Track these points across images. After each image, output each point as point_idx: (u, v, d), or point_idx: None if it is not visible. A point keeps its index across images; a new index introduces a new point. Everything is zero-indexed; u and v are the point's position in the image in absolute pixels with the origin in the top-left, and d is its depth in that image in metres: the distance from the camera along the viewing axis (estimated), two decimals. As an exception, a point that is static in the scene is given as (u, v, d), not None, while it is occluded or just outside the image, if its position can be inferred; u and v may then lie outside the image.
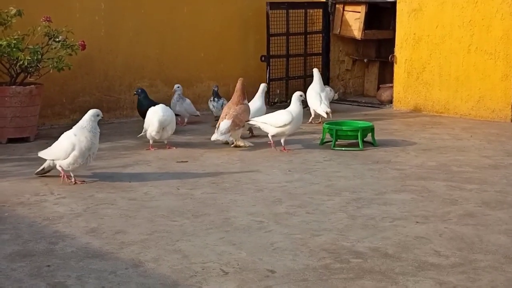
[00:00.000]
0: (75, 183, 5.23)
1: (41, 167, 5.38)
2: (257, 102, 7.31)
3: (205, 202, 4.87)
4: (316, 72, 8.14)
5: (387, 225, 4.37)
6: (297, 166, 5.98)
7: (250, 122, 6.71)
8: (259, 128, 6.70)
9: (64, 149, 5.20)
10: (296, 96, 6.65)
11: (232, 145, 6.64)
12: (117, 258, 3.76)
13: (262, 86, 7.49)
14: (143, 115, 6.83)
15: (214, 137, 6.57)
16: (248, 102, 6.92)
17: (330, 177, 5.60)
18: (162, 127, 6.43)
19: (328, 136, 6.81)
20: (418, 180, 5.48)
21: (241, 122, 6.60)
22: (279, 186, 5.33)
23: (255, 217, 4.52)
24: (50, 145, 6.48)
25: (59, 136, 6.29)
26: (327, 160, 6.24)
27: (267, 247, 3.97)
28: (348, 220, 4.46)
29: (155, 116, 6.42)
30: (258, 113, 7.03)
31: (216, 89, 7.87)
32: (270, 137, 6.51)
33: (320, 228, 4.32)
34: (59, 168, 5.25)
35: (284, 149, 6.49)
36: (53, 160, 5.30)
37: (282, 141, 6.49)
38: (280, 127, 6.44)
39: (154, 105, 6.69)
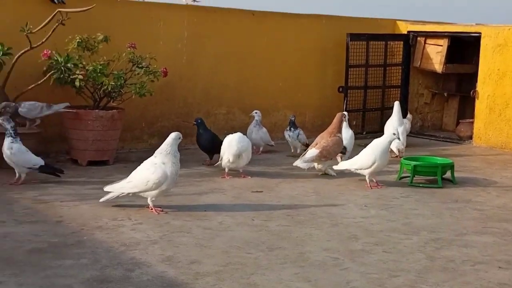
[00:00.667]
0: (158, 213, 5.20)
1: (109, 196, 5.28)
2: (348, 131, 7.47)
3: (280, 234, 4.83)
4: (396, 105, 8.03)
5: (468, 269, 4.21)
6: (373, 202, 5.87)
7: (341, 168, 6.55)
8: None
9: (156, 179, 5.13)
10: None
11: (321, 173, 6.78)
12: (192, 289, 3.76)
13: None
14: (202, 146, 7.05)
15: (296, 163, 6.68)
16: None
17: (407, 215, 5.47)
18: (238, 155, 6.45)
19: (405, 172, 6.67)
20: (500, 222, 5.29)
21: (329, 154, 6.71)
22: (354, 221, 5.24)
23: (331, 253, 4.44)
24: (128, 169, 6.62)
25: (137, 160, 6.48)
26: (404, 196, 6.11)
27: (343, 285, 3.89)
28: (427, 262, 4.33)
29: (231, 144, 6.45)
30: (351, 140, 7.42)
31: (293, 119, 7.86)
32: (367, 180, 6.36)
33: (397, 268, 4.20)
34: (150, 201, 5.22)
35: (377, 185, 6.39)
36: (135, 192, 5.25)
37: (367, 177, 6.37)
38: (369, 168, 6.31)
39: (212, 136, 6.82)
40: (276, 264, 4.21)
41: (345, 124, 7.39)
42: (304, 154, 6.73)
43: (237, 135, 6.55)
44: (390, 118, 7.99)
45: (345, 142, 7.14)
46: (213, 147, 7.02)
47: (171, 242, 4.54)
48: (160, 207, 5.29)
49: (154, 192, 5.20)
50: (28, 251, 4.22)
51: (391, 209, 5.64)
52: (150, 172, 5.18)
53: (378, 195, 6.11)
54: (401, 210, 5.62)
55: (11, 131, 5.92)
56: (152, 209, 5.23)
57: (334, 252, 4.48)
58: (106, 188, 5.29)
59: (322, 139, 6.75)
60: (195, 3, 8.30)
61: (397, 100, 9.65)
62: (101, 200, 5.28)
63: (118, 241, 4.49)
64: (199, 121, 7.17)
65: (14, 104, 6.42)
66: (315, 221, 5.20)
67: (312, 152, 6.65)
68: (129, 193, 5.27)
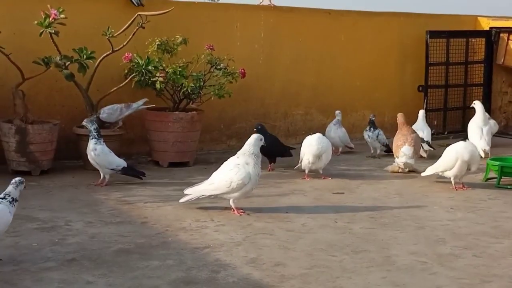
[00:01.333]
0: (240, 215, 5.17)
1: (188, 198, 5.26)
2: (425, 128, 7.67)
3: (364, 237, 4.73)
4: (478, 105, 7.78)
5: None
6: (460, 204, 5.69)
7: (428, 173, 6.34)
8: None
9: (239, 179, 5.08)
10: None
11: (407, 170, 6.76)
12: (278, 292, 3.72)
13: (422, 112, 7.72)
14: (264, 150, 6.71)
15: (401, 159, 6.65)
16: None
17: (496, 218, 5.28)
18: (318, 155, 6.38)
19: (492, 173, 6.45)
20: None
21: (417, 150, 6.82)
22: (441, 224, 5.09)
23: (418, 257, 4.32)
24: (208, 170, 6.65)
25: (216, 161, 6.67)
26: (491, 198, 5.90)
27: (433, 291, 3.77)
28: (521, 267, 4.16)
29: (311, 144, 6.38)
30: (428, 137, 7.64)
31: (373, 118, 7.71)
32: (453, 182, 6.17)
33: (489, 273, 4.05)
34: (232, 203, 5.19)
35: (463, 187, 6.22)
36: (217, 194, 5.19)
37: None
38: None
39: (273, 140, 6.70)
40: (362, 268, 4.12)
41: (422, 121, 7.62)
42: (399, 154, 6.67)
43: (317, 136, 6.47)
44: (474, 118, 7.74)
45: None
46: (274, 151, 6.81)
47: (255, 244, 4.52)
48: (242, 209, 5.27)
49: (236, 194, 5.17)
50: (115, 252, 4.28)
51: (478, 211, 5.45)
52: (233, 172, 5.14)
53: (464, 197, 5.92)
54: (489, 212, 5.42)
55: (94, 133, 6.04)
56: (234, 210, 5.22)
57: (422, 256, 4.35)
58: (187, 191, 5.27)
59: (407, 137, 6.66)
60: (271, 3, 8.24)
61: (478, 99, 9.43)
62: (181, 201, 5.29)
63: (202, 243, 4.50)
64: (259, 127, 6.76)
65: (94, 116, 6.53)
66: (399, 224, 5.07)
67: (408, 149, 6.60)
68: (211, 195, 5.26)
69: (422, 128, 7.68)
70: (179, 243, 4.50)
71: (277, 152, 6.88)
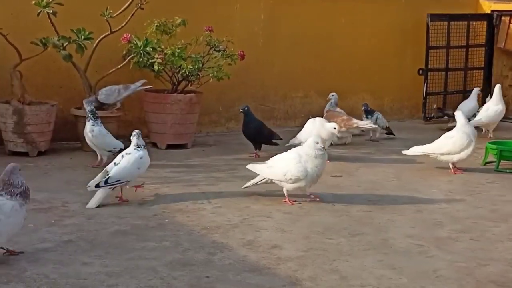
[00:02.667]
0: (292, 204, 5.04)
1: (250, 183, 5.19)
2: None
3: (362, 220, 4.73)
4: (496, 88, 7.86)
5: None
6: (458, 188, 5.68)
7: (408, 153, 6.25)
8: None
9: (296, 173, 4.92)
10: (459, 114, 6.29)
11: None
12: (274, 274, 3.72)
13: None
14: (249, 136, 6.65)
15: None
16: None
17: (494, 201, 5.27)
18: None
19: (491, 157, 6.42)
20: None
21: None
22: (439, 207, 5.08)
23: (415, 240, 4.32)
24: (206, 153, 6.64)
25: (214, 144, 6.89)
26: (490, 182, 5.89)
27: (429, 274, 3.77)
28: (518, 251, 4.15)
29: (315, 127, 6.33)
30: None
31: (364, 108, 7.66)
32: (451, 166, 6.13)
33: (486, 257, 4.05)
34: (285, 191, 5.08)
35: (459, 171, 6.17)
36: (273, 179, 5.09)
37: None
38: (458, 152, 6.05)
39: (259, 125, 6.58)
40: (359, 251, 4.12)
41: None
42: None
43: (319, 119, 6.47)
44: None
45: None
46: (259, 137, 6.68)
47: (252, 226, 4.51)
48: (296, 200, 5.10)
49: (289, 186, 5.03)
50: (112, 233, 4.27)
51: (477, 195, 5.45)
52: (293, 163, 4.93)
53: (463, 181, 5.91)
54: (488, 196, 5.42)
55: (90, 115, 6.02)
56: (286, 199, 5.08)
57: (419, 239, 4.35)
58: (248, 166, 5.23)
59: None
60: None
61: (479, 82, 9.39)
62: (243, 187, 5.21)
63: (199, 224, 4.50)
64: (246, 108, 6.67)
65: (94, 97, 6.51)
66: (397, 207, 5.07)
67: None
68: (267, 179, 5.11)
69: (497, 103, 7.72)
70: (176, 224, 4.49)
71: (263, 138, 6.69)
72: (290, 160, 4.98)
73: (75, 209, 4.75)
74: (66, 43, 6.38)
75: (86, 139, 6.05)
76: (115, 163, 4.98)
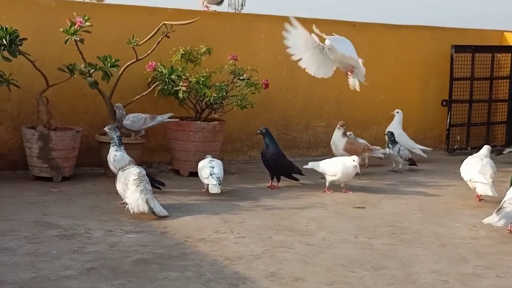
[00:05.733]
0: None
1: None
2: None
3: (385, 254, 4.68)
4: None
5: None
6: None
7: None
8: None
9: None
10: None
11: None
12: (297, 307, 3.68)
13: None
14: (266, 161, 6.53)
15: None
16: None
17: (520, 237, 5.19)
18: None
19: (516, 191, 6.33)
20: None
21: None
22: (463, 242, 5.02)
23: (440, 276, 4.26)
24: (229, 181, 6.66)
25: (237, 172, 7.05)
26: (515, 217, 5.80)
27: (454, 311, 3.71)
28: (545, 289, 4.08)
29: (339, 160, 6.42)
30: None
31: (388, 135, 7.62)
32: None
33: (513, 295, 3.98)
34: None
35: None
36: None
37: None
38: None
39: (277, 151, 6.50)
40: (383, 285, 4.07)
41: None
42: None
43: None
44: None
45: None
46: (277, 163, 6.51)
47: (274, 258, 4.48)
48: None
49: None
50: (134, 261, 4.26)
51: (501, 230, 5.36)
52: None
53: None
54: (513, 231, 5.34)
55: (116, 141, 6.06)
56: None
57: (443, 274, 4.29)
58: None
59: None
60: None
61: (503, 114, 9.33)
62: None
63: (222, 255, 4.48)
64: (263, 130, 6.56)
65: (116, 124, 6.56)
66: (421, 241, 5.01)
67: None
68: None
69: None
70: (198, 254, 4.47)
71: (280, 165, 6.51)
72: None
73: (98, 236, 4.76)
74: (93, 70, 6.45)
75: (109, 164, 6.09)
76: None
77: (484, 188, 6.05)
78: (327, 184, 6.46)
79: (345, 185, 6.52)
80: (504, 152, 8.15)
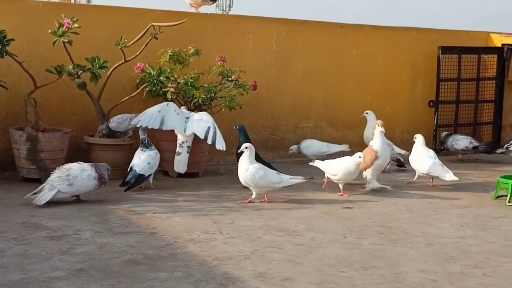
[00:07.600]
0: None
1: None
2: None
3: (374, 253, 4.71)
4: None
5: None
6: (470, 221, 5.66)
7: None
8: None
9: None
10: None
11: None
12: (286, 307, 3.70)
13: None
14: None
15: None
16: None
17: (507, 236, 5.24)
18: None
19: (502, 191, 6.41)
20: None
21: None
22: (451, 241, 5.06)
23: (428, 275, 4.29)
24: (217, 182, 6.66)
25: (225, 172, 7.03)
26: (502, 216, 5.86)
27: (442, 310, 3.74)
28: (531, 287, 4.12)
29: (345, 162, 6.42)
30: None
31: None
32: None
33: (499, 293, 4.02)
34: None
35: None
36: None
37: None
38: None
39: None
40: (371, 285, 4.09)
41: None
42: None
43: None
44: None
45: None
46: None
47: (263, 258, 4.50)
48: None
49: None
50: (124, 262, 4.27)
51: (489, 229, 5.42)
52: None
53: (474, 214, 5.89)
54: (500, 231, 5.39)
55: (145, 142, 6.28)
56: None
57: (431, 273, 4.32)
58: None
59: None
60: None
61: (489, 115, 9.41)
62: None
63: (211, 255, 4.49)
64: (237, 127, 6.78)
65: (105, 125, 6.59)
66: (409, 240, 5.04)
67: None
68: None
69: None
70: (188, 255, 4.48)
71: None
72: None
73: (87, 237, 4.75)
74: (81, 71, 6.44)
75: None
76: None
77: (449, 174, 6.72)
78: (340, 187, 6.44)
79: (344, 187, 6.49)
80: (497, 152, 8.24)
